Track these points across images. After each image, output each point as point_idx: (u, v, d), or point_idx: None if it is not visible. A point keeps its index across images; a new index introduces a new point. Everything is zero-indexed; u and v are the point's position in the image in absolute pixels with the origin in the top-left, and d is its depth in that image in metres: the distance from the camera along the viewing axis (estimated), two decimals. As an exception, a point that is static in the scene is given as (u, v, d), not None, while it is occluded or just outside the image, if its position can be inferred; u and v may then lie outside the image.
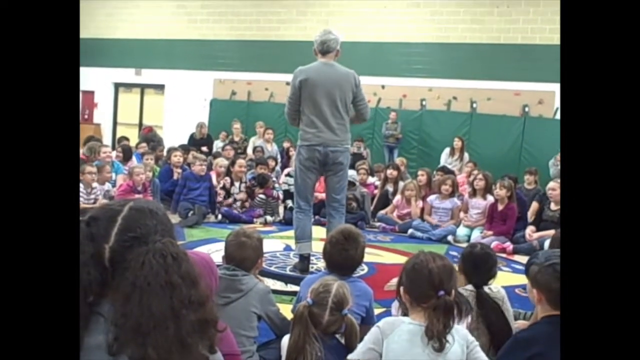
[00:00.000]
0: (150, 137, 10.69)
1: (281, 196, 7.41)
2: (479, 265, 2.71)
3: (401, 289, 2.07)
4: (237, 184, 7.15)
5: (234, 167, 7.20)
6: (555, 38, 10.61)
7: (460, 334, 2.02)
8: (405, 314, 2.08)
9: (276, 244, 5.52)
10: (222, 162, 7.94)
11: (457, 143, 10.28)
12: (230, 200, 7.05)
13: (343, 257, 2.78)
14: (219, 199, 7.04)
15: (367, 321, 2.70)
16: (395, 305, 2.66)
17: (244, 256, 2.65)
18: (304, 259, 4.58)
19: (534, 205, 6.51)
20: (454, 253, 5.65)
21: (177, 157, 7.81)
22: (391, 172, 7.74)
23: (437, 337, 1.88)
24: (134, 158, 8.48)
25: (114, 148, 9.75)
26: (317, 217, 6.18)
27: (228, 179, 7.18)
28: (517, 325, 2.78)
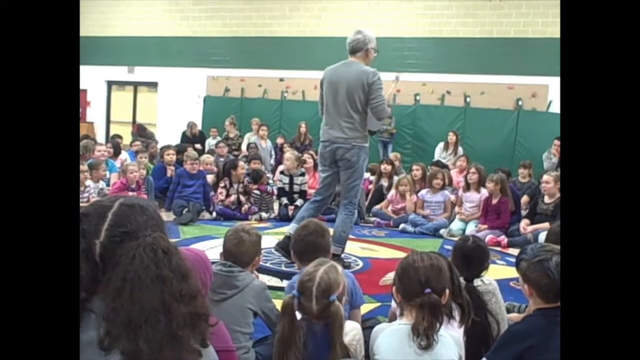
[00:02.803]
0: (141, 134, 10.68)
1: (275, 192, 7.39)
2: (471, 258, 2.70)
3: (393, 289, 2.11)
4: (235, 185, 7.09)
5: (236, 170, 7.06)
6: (548, 31, 10.63)
7: (456, 340, 2.03)
8: (402, 313, 2.09)
9: (271, 241, 5.50)
10: (208, 159, 7.91)
11: (451, 137, 10.29)
12: (232, 198, 6.96)
13: (304, 242, 2.83)
14: (221, 197, 6.95)
15: (353, 303, 2.65)
16: (394, 303, 2.67)
17: (242, 251, 2.65)
18: (288, 238, 4.62)
19: (525, 197, 6.53)
20: (449, 247, 5.65)
21: (170, 156, 7.78)
22: (385, 167, 7.76)
23: (423, 334, 1.89)
24: (126, 154, 8.45)
25: (107, 146, 9.72)
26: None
27: (227, 179, 7.13)
28: (511, 318, 2.80)
